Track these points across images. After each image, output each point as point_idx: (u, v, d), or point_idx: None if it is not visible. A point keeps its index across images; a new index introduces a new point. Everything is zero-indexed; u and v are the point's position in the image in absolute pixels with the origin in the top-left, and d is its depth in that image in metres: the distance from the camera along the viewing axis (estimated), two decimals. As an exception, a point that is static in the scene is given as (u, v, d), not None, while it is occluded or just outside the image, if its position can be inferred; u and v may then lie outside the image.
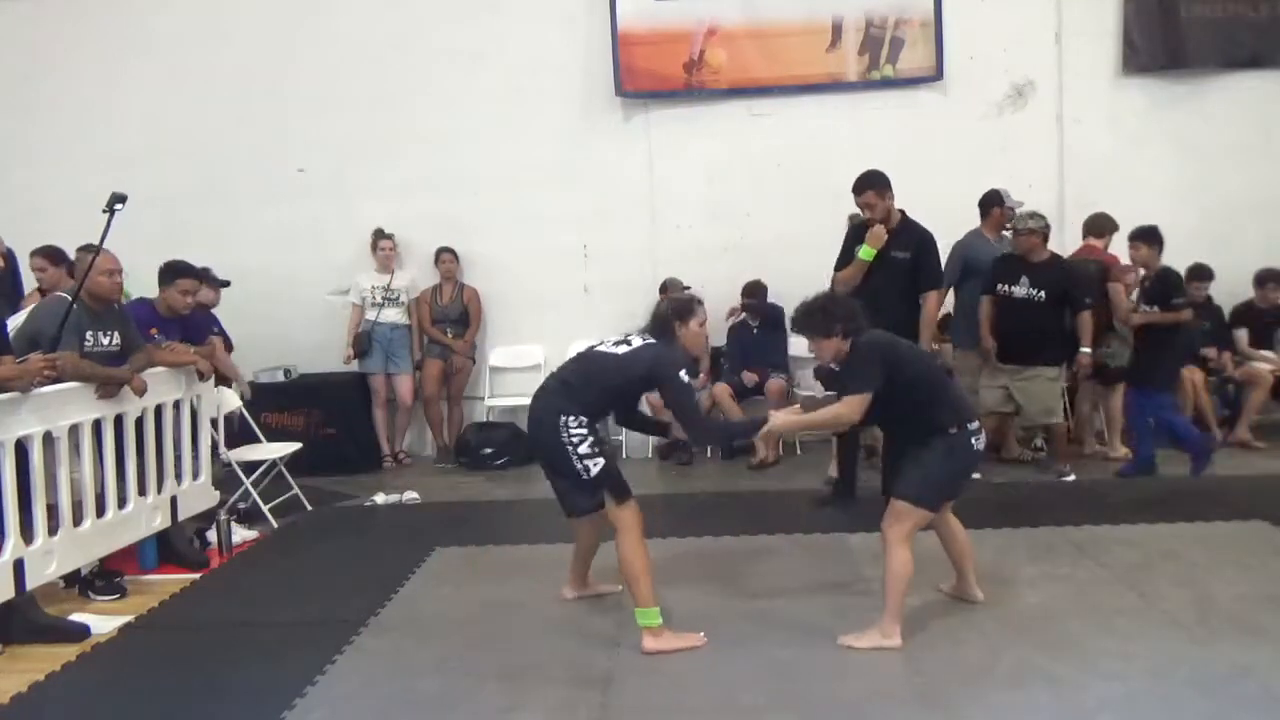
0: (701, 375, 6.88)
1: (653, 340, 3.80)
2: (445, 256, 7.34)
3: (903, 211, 5.66)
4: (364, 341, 7.16)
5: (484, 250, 7.49)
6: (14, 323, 4.47)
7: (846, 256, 5.69)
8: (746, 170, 7.38)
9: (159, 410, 4.82)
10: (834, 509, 5.36)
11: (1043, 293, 5.87)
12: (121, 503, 4.56)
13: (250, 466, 5.82)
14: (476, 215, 7.43)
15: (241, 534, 5.36)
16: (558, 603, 4.13)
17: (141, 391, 4.57)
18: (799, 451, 7.11)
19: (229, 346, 6.41)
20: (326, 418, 7.04)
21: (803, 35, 7.29)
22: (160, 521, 4.84)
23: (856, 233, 5.71)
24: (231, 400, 5.96)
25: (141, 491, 4.69)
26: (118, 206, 4.38)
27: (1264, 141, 7.21)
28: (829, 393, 4.30)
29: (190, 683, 3.53)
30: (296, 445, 6.06)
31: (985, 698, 3.15)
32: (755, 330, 7.07)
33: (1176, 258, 6.82)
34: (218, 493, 5.39)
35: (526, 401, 7.59)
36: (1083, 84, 7.28)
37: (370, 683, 3.46)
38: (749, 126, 7.39)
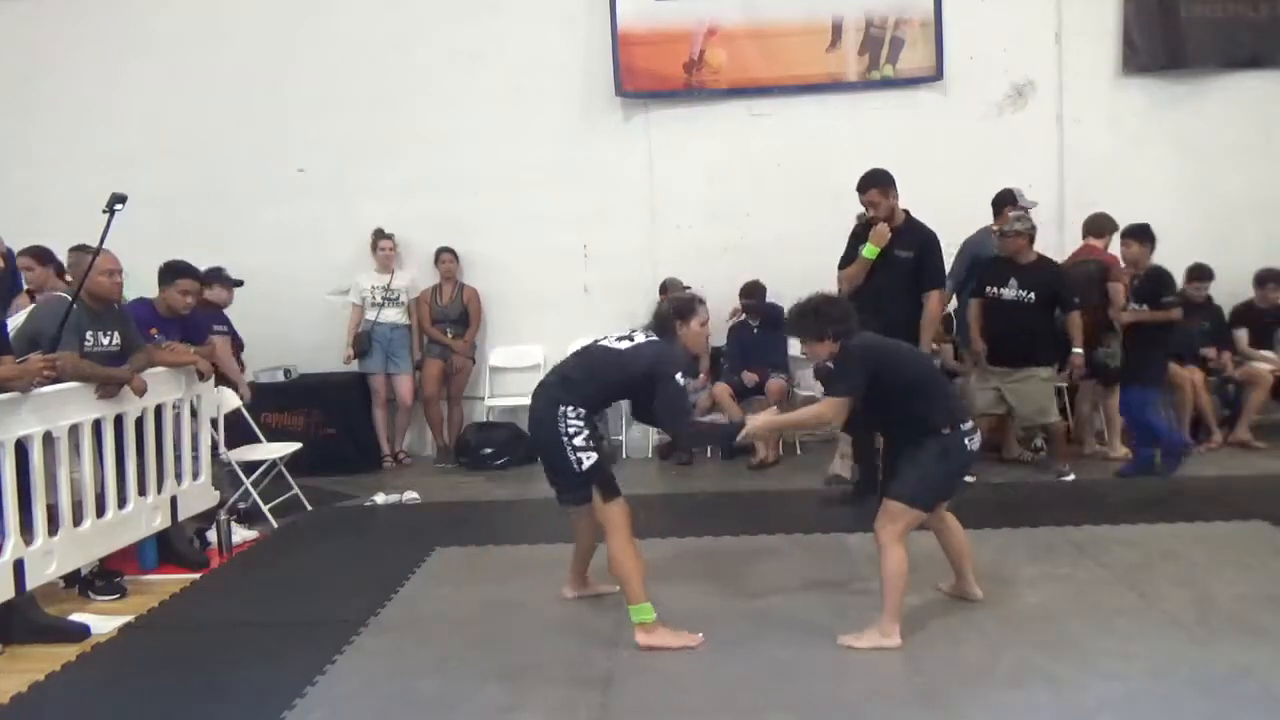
0: (701, 375, 6.89)
1: (655, 338, 3.82)
2: (445, 256, 7.34)
3: (906, 211, 5.68)
4: (364, 341, 7.17)
5: (484, 250, 7.49)
6: (14, 323, 4.47)
7: (850, 255, 5.70)
8: (746, 170, 7.38)
9: (159, 410, 4.82)
10: (854, 507, 5.31)
11: (1032, 294, 5.88)
12: (121, 503, 4.56)
13: (250, 466, 5.82)
14: (476, 215, 7.43)
15: (241, 534, 5.36)
16: (558, 603, 4.13)
17: (141, 391, 4.57)
18: (799, 451, 7.11)
19: (240, 345, 6.43)
20: (326, 418, 7.04)
21: (803, 35, 7.28)
22: (160, 521, 4.85)
23: (861, 231, 5.73)
24: (231, 400, 5.96)
25: (141, 491, 4.69)
26: (118, 207, 4.39)
27: (1264, 141, 7.21)
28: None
29: (190, 683, 3.53)
30: (296, 445, 6.06)
31: (985, 698, 3.15)
32: (755, 330, 7.07)
33: (1176, 258, 6.83)
34: (218, 493, 5.39)
35: (526, 401, 7.58)
36: (1083, 84, 7.28)
37: (370, 683, 3.46)
38: (749, 126, 7.39)
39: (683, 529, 4.98)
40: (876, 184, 5.55)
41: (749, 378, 6.89)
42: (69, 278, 5.75)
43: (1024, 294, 5.89)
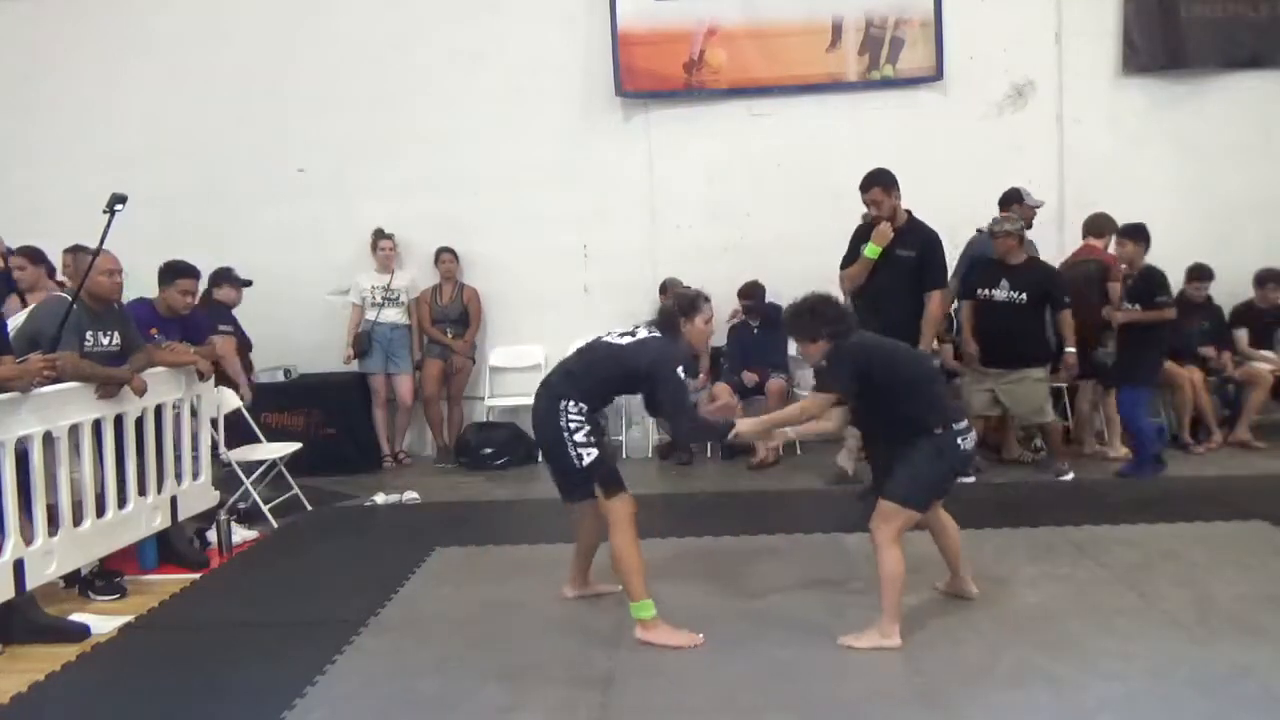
0: (701, 375, 6.88)
1: (658, 334, 3.84)
2: (445, 256, 7.34)
3: (909, 211, 5.69)
4: (364, 341, 7.17)
5: (484, 250, 7.48)
6: (14, 323, 4.47)
7: (853, 254, 5.72)
8: (746, 170, 7.38)
9: (159, 410, 4.82)
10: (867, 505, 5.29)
11: (1024, 295, 5.90)
12: (121, 503, 4.56)
13: (250, 466, 5.82)
14: (476, 215, 7.43)
15: (241, 534, 5.36)
16: (558, 603, 4.13)
17: (141, 391, 4.57)
18: (799, 451, 7.11)
19: (248, 345, 6.43)
20: (326, 418, 7.04)
21: (803, 35, 7.28)
22: (160, 521, 4.85)
23: (863, 231, 5.74)
24: (231, 400, 5.96)
25: (141, 491, 4.69)
26: (118, 207, 4.39)
27: (1264, 141, 7.21)
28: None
29: (190, 683, 3.53)
30: (296, 445, 6.05)
31: (985, 698, 3.15)
32: (755, 330, 7.07)
33: (1176, 258, 6.84)
34: (218, 493, 5.39)
35: (526, 401, 7.59)
36: (1083, 84, 7.28)
37: (370, 683, 3.46)
38: (749, 126, 7.39)
39: (683, 529, 4.98)
40: (879, 183, 5.57)
41: (749, 378, 6.90)
42: (61, 278, 5.77)
43: (1016, 295, 5.90)
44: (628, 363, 3.77)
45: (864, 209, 5.85)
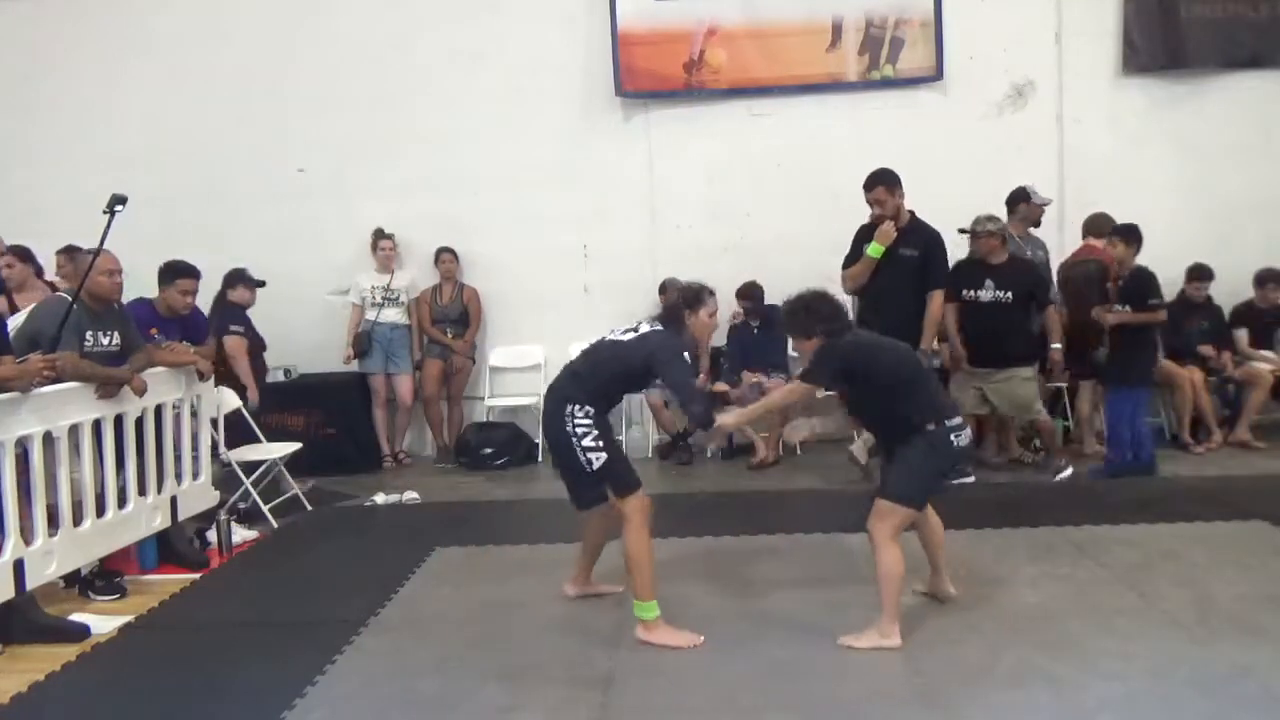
0: (701, 375, 6.88)
1: (660, 327, 3.84)
2: (445, 256, 7.34)
3: (912, 211, 5.70)
4: (364, 341, 7.17)
5: (484, 250, 7.48)
6: (14, 323, 4.48)
7: (855, 254, 5.73)
8: (746, 170, 7.38)
9: (159, 410, 4.82)
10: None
11: (1009, 294, 5.92)
12: (121, 503, 4.56)
13: (250, 466, 5.82)
14: (476, 215, 7.43)
15: (241, 534, 5.36)
16: (558, 603, 4.13)
17: (141, 391, 4.58)
18: (799, 451, 7.11)
19: (261, 346, 6.45)
20: (326, 418, 7.04)
21: (803, 35, 7.28)
22: (160, 521, 4.85)
23: (866, 230, 5.76)
24: (231, 400, 5.96)
25: (141, 491, 4.69)
26: (118, 208, 4.39)
27: (1264, 141, 7.21)
28: (829, 392, 4.31)
29: (190, 683, 3.53)
30: (296, 445, 6.05)
31: (985, 698, 3.15)
32: (755, 330, 7.07)
33: (1176, 258, 6.85)
34: (218, 493, 5.39)
35: (526, 401, 7.67)
36: (1083, 84, 7.28)
37: (370, 683, 3.46)
38: (749, 126, 7.39)
39: (683, 529, 4.97)
40: (883, 182, 5.61)
41: (749, 378, 6.88)
42: (51, 278, 5.78)
43: (1001, 294, 5.93)
44: (631, 357, 3.78)
45: (865, 209, 5.87)
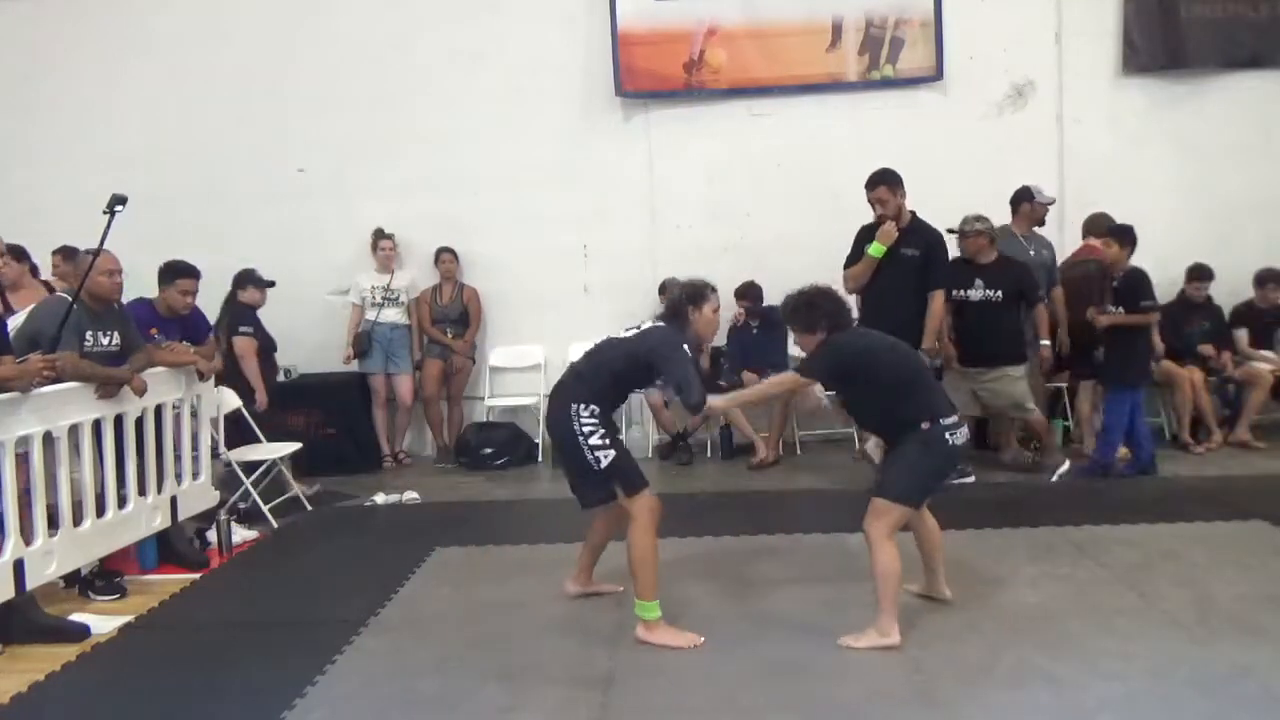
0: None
1: (661, 324, 3.86)
2: (445, 256, 7.34)
3: (913, 211, 5.72)
4: (364, 341, 7.16)
5: (484, 250, 7.49)
6: (14, 323, 4.47)
7: (857, 254, 5.74)
8: (746, 170, 7.38)
9: (159, 410, 4.82)
10: None
11: (999, 292, 5.94)
12: (121, 503, 4.56)
13: (250, 466, 5.82)
14: (476, 215, 7.43)
15: (241, 534, 5.36)
16: (558, 603, 4.13)
17: (141, 391, 4.58)
18: (799, 451, 7.11)
19: (272, 346, 6.48)
20: (326, 418, 7.03)
21: (803, 35, 7.28)
22: (160, 521, 4.85)
23: (867, 231, 5.78)
24: (231, 400, 5.96)
25: (141, 491, 4.69)
26: (118, 208, 4.39)
27: (1264, 141, 7.21)
28: (829, 392, 4.32)
29: (190, 683, 3.53)
30: (296, 445, 6.05)
31: (985, 698, 3.14)
32: (755, 331, 7.07)
33: (1176, 258, 6.86)
34: (218, 493, 5.39)
35: (526, 401, 7.66)
36: (1083, 84, 7.28)
37: (370, 683, 3.46)
38: (749, 126, 7.39)
39: (683, 529, 4.97)
40: (885, 182, 5.64)
41: (749, 378, 6.88)
42: (46, 277, 5.78)
43: (991, 293, 5.94)
44: (633, 352, 3.79)
45: (865, 209, 5.88)
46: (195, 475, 5.17)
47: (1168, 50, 7.20)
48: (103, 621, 4.15)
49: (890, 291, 5.58)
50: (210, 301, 5.80)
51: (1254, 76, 7.23)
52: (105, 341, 4.56)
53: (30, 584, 3.97)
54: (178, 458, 5.01)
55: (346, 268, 7.40)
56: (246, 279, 6.40)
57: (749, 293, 6.99)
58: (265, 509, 5.69)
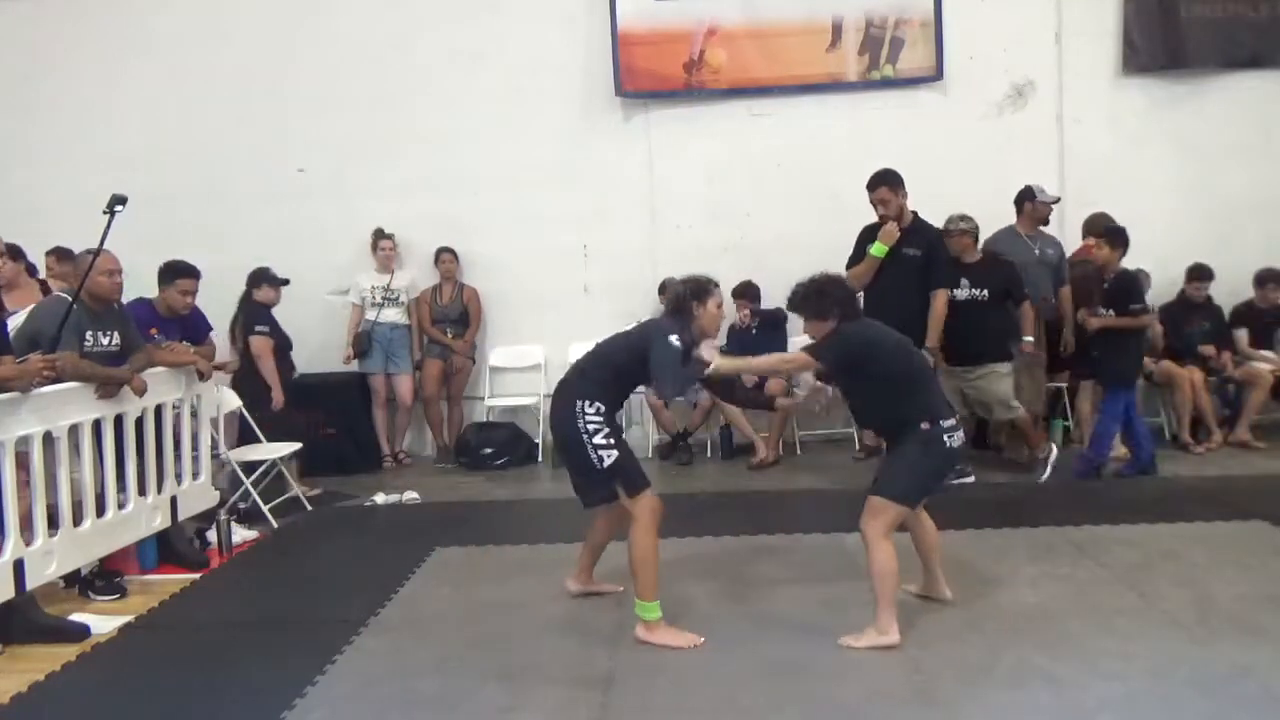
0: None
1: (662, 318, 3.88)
2: (445, 256, 7.34)
3: (915, 211, 5.73)
4: (364, 341, 7.16)
5: (484, 250, 7.48)
6: (14, 323, 4.47)
7: (859, 254, 5.76)
8: (746, 170, 7.38)
9: (159, 410, 4.82)
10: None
11: (985, 291, 5.96)
12: (121, 503, 4.56)
13: (250, 466, 5.82)
14: (476, 215, 7.43)
15: (241, 534, 5.36)
16: (558, 603, 4.13)
17: (141, 391, 4.58)
18: (799, 451, 7.11)
19: (288, 345, 6.50)
20: (326, 418, 7.03)
21: (803, 35, 7.28)
22: (160, 521, 4.85)
23: (869, 231, 5.79)
24: (231, 400, 5.97)
25: (141, 491, 4.69)
26: (118, 208, 4.39)
27: (1264, 141, 7.21)
28: (831, 386, 4.32)
29: (190, 683, 3.53)
30: (296, 445, 6.05)
31: (985, 698, 3.15)
32: (755, 331, 7.07)
33: (1176, 258, 6.86)
34: (218, 493, 5.39)
35: (526, 401, 7.66)
36: (1083, 84, 7.28)
37: (370, 683, 3.46)
38: (749, 126, 7.39)
39: (683, 529, 4.96)
40: (886, 182, 5.67)
41: (748, 378, 6.88)
42: (42, 276, 5.78)
43: (977, 292, 5.96)
44: (633, 344, 3.80)
45: (865, 209, 5.90)
46: (195, 475, 5.17)
47: (1168, 50, 7.20)
48: (103, 621, 4.15)
49: (892, 291, 5.60)
50: (210, 301, 5.79)
51: (1254, 76, 7.23)
52: (105, 341, 4.57)
53: (30, 584, 3.97)
54: (178, 458, 5.00)
55: (346, 268, 7.40)
56: (261, 277, 6.43)
57: (747, 292, 6.99)
58: (265, 509, 5.69)
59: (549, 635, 3.81)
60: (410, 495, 6.21)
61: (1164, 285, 7.00)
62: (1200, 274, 6.81)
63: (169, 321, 5.21)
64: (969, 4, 7.21)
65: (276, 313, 6.51)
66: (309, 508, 6.00)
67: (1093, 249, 6.47)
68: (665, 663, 3.51)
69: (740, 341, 7.12)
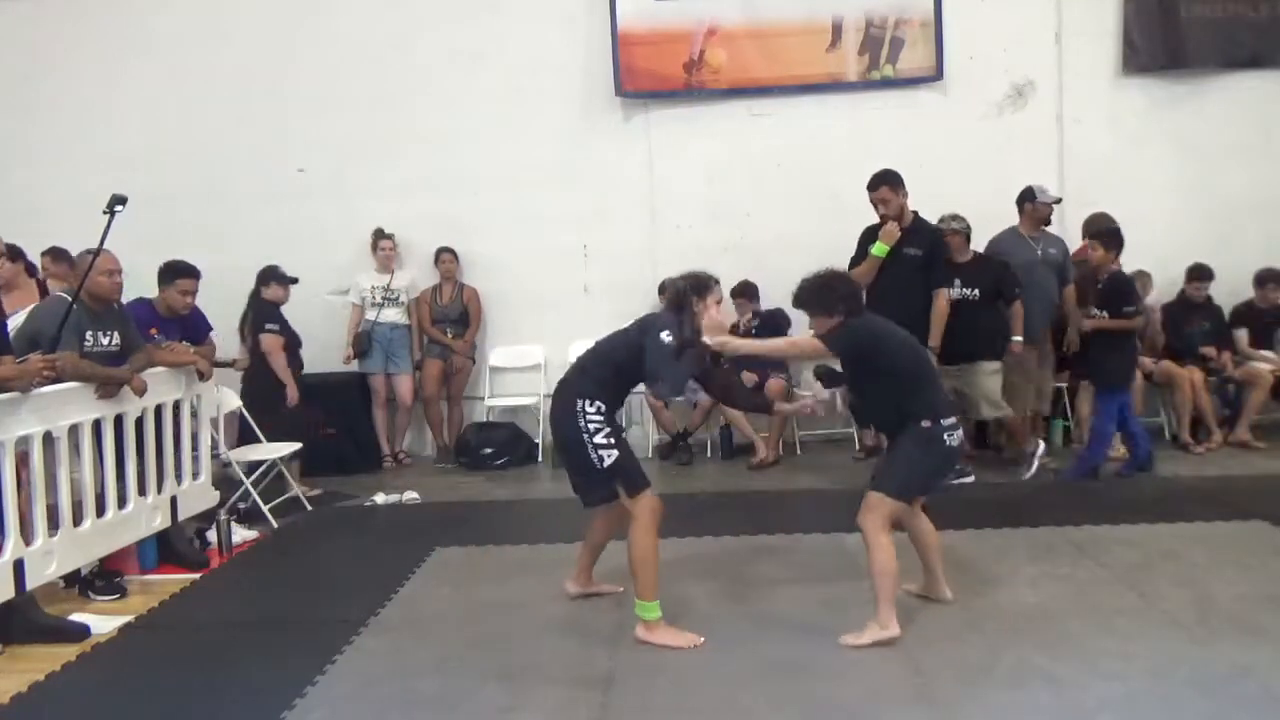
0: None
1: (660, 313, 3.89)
2: (445, 256, 7.34)
3: (915, 211, 5.73)
4: (364, 341, 7.16)
5: (484, 250, 7.48)
6: (14, 323, 4.47)
7: (861, 255, 5.78)
8: (746, 170, 7.38)
9: (159, 410, 4.82)
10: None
11: (976, 291, 5.98)
12: (121, 503, 4.56)
13: (250, 466, 5.82)
14: (476, 215, 7.43)
15: (241, 534, 5.36)
16: (558, 603, 4.13)
17: (141, 391, 4.58)
18: (799, 451, 7.11)
19: (298, 343, 6.52)
20: (326, 418, 7.03)
21: (803, 35, 7.28)
22: (160, 521, 4.85)
23: (870, 232, 5.80)
24: (231, 400, 5.97)
25: (141, 491, 4.69)
26: (118, 208, 4.39)
27: (1264, 141, 7.21)
28: (837, 384, 4.32)
29: (190, 683, 3.53)
30: (296, 445, 6.05)
31: (985, 698, 3.14)
32: (754, 331, 7.06)
33: (1176, 258, 6.86)
34: (218, 492, 5.39)
35: (526, 401, 7.66)
36: (1083, 84, 7.28)
37: (370, 683, 3.46)
38: (749, 126, 7.39)
39: (683, 529, 4.96)
40: (887, 182, 5.69)
41: (749, 378, 6.81)
42: (42, 276, 5.78)
43: (968, 291, 5.97)
44: (632, 341, 3.80)
45: (865, 209, 5.90)
46: (195, 475, 5.17)
47: (1168, 50, 7.20)
48: (103, 621, 4.15)
49: (894, 291, 5.60)
50: (210, 301, 5.79)
51: (1254, 76, 7.23)
52: (105, 341, 4.56)
53: (30, 584, 3.97)
54: (178, 458, 5.00)
55: (346, 268, 7.39)
56: (270, 276, 6.47)
57: (746, 291, 6.99)
58: (265, 509, 5.69)
59: (549, 635, 3.81)
60: (410, 495, 6.21)
61: (1164, 285, 7.01)
62: (1200, 274, 6.81)
63: (169, 321, 5.21)
64: (969, 4, 7.21)
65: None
66: (309, 508, 6.00)
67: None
68: (665, 663, 3.51)
69: (740, 341, 7.13)
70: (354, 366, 7.25)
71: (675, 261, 7.05)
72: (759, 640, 3.63)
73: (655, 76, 7.37)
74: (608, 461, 3.68)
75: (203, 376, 5.19)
